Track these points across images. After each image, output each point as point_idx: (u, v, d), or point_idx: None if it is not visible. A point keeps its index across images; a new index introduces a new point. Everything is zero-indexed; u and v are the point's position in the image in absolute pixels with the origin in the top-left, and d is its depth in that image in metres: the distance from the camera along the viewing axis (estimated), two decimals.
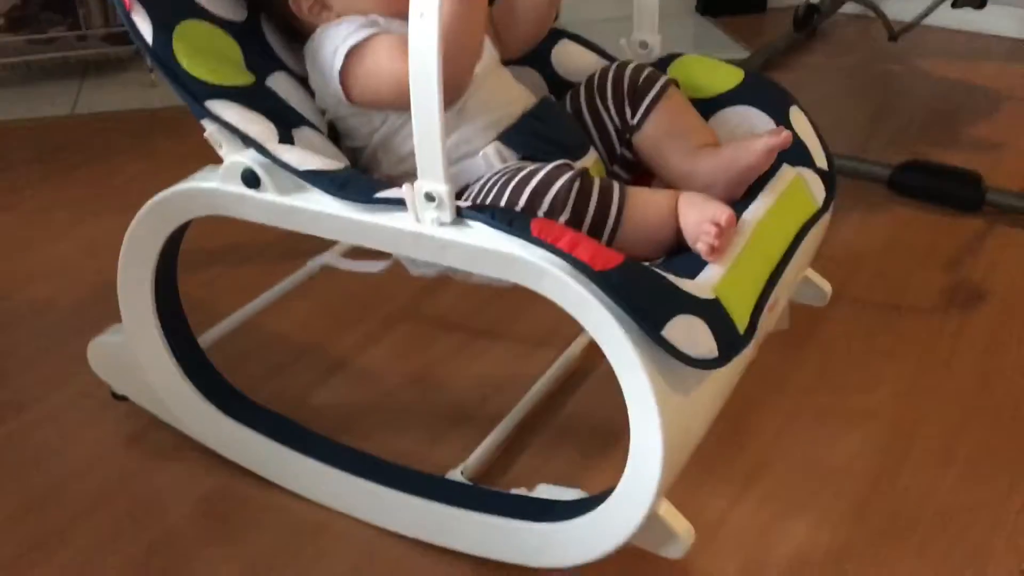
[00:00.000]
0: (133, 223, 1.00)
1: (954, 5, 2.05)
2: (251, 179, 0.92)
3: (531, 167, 0.91)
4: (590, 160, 1.02)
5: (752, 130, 1.06)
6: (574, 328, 0.96)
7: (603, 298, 0.78)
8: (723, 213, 0.87)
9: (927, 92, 2.13)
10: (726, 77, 1.11)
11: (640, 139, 1.04)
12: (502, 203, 0.89)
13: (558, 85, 1.16)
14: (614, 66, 1.06)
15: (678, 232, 0.91)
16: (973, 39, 2.39)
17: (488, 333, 1.32)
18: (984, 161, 1.72)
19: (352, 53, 0.96)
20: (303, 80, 1.03)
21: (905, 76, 2.22)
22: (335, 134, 1.04)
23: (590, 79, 1.07)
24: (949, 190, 1.62)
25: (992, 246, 1.52)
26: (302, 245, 1.17)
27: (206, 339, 1.17)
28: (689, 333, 0.79)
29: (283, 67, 1.04)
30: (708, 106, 1.09)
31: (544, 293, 0.81)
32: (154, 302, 1.04)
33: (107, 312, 1.10)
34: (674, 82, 1.05)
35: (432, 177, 0.81)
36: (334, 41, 0.97)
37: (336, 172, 0.91)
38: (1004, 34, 2.39)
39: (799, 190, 1.01)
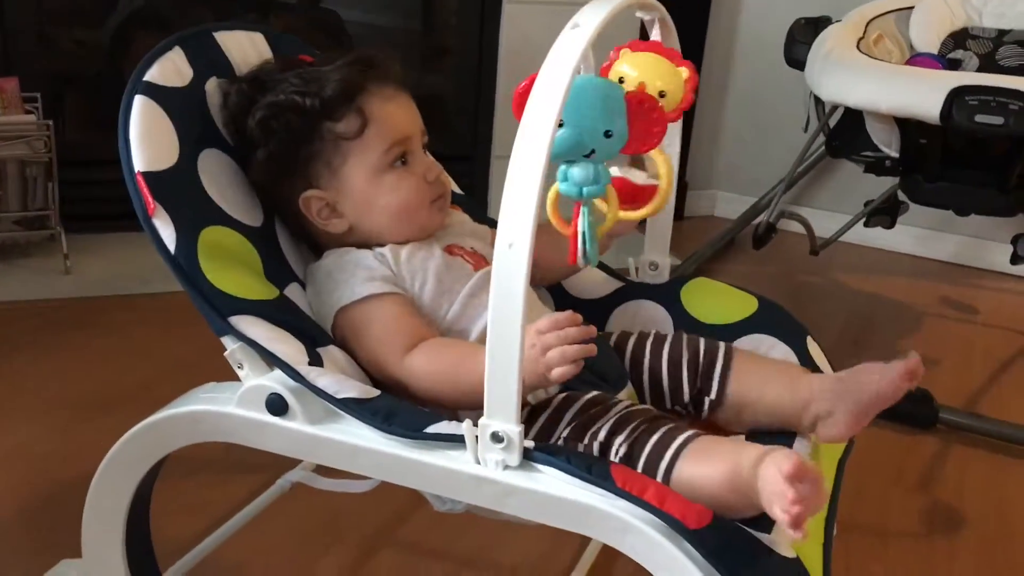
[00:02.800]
0: (116, 448, 0.88)
1: (867, 224, 2.18)
2: (277, 405, 0.82)
3: (595, 402, 0.87)
4: (627, 391, 0.97)
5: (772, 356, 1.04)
6: (565, 560, 0.87)
7: (698, 559, 0.71)
8: (798, 470, 0.72)
9: (849, 305, 2.22)
10: (741, 304, 1.09)
11: (726, 410, 0.95)
12: (584, 441, 0.83)
13: (563, 300, 1.12)
14: (670, 337, 0.99)
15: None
16: (881, 255, 2.53)
17: (472, 563, 1.21)
18: (923, 378, 1.76)
19: (346, 311, 0.92)
20: None
21: (826, 288, 2.32)
22: None
23: (641, 336, 1.00)
24: (904, 409, 1.64)
25: (954, 466, 1.54)
26: (251, 458, 1.05)
27: (173, 574, 1.03)
28: None
29: (296, 278, 0.97)
30: (726, 333, 1.06)
31: (625, 550, 0.73)
32: (124, 538, 0.91)
33: (31, 542, 0.95)
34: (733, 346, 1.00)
35: (503, 416, 0.73)
36: (336, 285, 0.93)
37: (378, 400, 0.83)
38: (907, 252, 2.54)
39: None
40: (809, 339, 1.06)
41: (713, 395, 0.95)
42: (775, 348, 1.04)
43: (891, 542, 1.34)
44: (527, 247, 0.69)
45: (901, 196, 1.88)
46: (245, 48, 1.04)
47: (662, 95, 0.85)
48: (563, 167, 0.79)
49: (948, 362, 1.93)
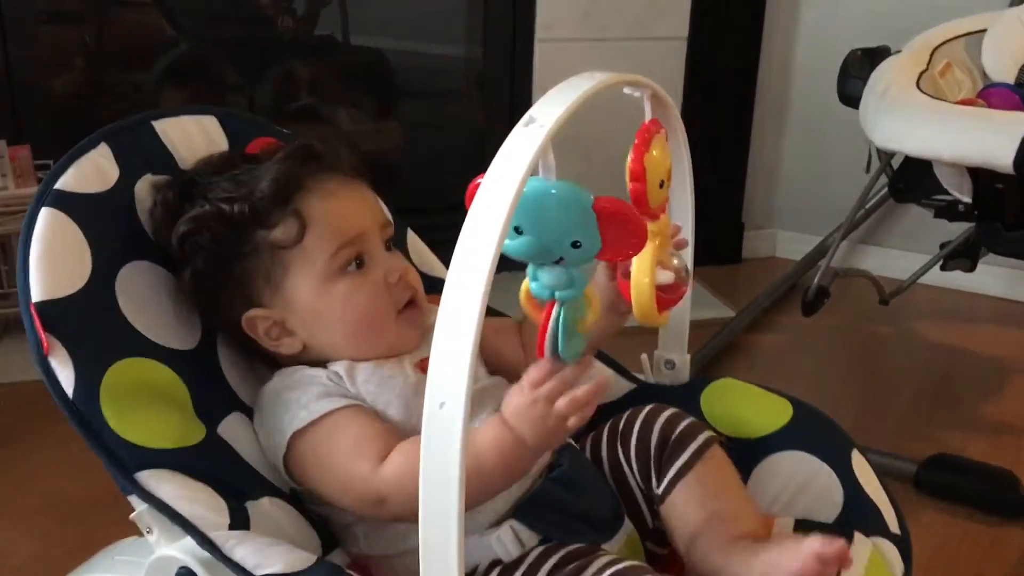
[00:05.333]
0: None
1: (943, 268, 1.96)
2: None
3: (585, 559, 0.73)
4: (622, 538, 0.82)
5: (809, 484, 0.87)
6: None
7: None
8: None
9: (925, 359, 2.01)
10: (773, 412, 0.92)
11: (666, 512, 0.83)
12: None
13: None
14: (644, 412, 0.87)
15: None
16: (962, 298, 2.30)
17: None
18: (1008, 450, 1.58)
19: (302, 434, 0.78)
20: None
21: (897, 340, 2.11)
22: None
23: (614, 424, 0.88)
24: (986, 494, 1.45)
25: None
26: None
27: None
28: None
29: (240, 406, 0.84)
30: (753, 450, 0.90)
31: None
32: None
33: None
34: (719, 441, 0.85)
35: None
36: (287, 407, 0.79)
37: (307, 573, 0.69)
38: (992, 294, 2.30)
39: (879, 570, 0.81)
40: (856, 455, 0.89)
41: (661, 488, 0.83)
42: (816, 469, 0.88)
43: None
44: (462, 406, 0.54)
45: None
46: (192, 137, 0.91)
47: (661, 185, 0.74)
48: (531, 267, 0.67)
49: None
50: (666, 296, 0.78)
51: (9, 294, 1.91)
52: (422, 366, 0.84)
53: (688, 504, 0.82)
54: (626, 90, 0.76)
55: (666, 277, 0.77)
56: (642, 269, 0.75)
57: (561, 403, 0.67)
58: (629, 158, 0.72)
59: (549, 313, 0.67)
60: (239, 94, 2.40)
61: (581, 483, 0.83)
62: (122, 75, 2.32)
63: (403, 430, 0.80)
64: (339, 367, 0.83)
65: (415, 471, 0.71)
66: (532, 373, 0.68)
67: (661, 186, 0.74)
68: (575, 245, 0.65)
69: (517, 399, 0.68)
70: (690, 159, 0.86)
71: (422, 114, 2.49)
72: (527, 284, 0.68)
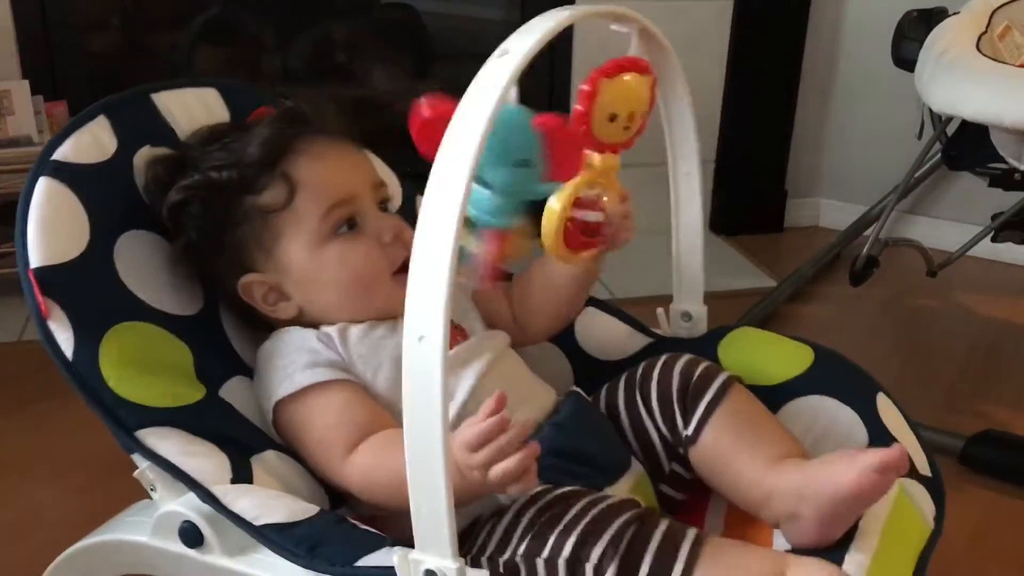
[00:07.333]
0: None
1: (994, 239, 1.91)
2: (191, 535, 0.70)
3: (572, 499, 0.70)
4: (630, 481, 0.80)
5: (832, 429, 0.85)
6: None
7: None
8: None
9: (973, 334, 1.95)
10: (793, 358, 0.90)
11: (697, 453, 0.82)
12: (544, 555, 0.67)
13: (583, 363, 0.96)
14: (660, 361, 0.84)
15: None
16: (1013, 271, 2.23)
17: None
18: None
19: (284, 404, 0.78)
20: None
21: (945, 313, 2.05)
22: None
23: (631, 375, 0.86)
24: None
25: None
26: None
27: None
28: None
29: (244, 370, 0.84)
30: (773, 396, 0.87)
31: None
32: None
33: None
34: (737, 379, 0.83)
35: (436, 550, 0.59)
36: (274, 372, 0.79)
37: (306, 524, 0.69)
38: None
39: (906, 511, 0.78)
40: (881, 397, 0.86)
41: (690, 429, 0.81)
42: (838, 413, 0.85)
43: None
44: (440, 337, 0.55)
45: None
46: (192, 109, 0.92)
47: (613, 119, 0.70)
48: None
49: None
50: (583, 237, 0.74)
51: None
52: None
53: (723, 438, 0.80)
54: (613, 27, 0.74)
55: (591, 216, 0.73)
56: (559, 196, 0.71)
57: (496, 471, 0.65)
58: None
59: (491, 242, 0.68)
60: (274, 54, 2.38)
61: (584, 428, 0.81)
62: (158, 34, 2.31)
63: (391, 397, 0.80)
64: (332, 329, 0.82)
65: (377, 474, 0.73)
66: (466, 433, 0.66)
67: (612, 120, 0.70)
68: (524, 163, 0.65)
69: (457, 453, 0.66)
70: (692, 112, 0.84)
71: (459, 77, 2.45)
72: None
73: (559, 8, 0.63)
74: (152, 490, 0.73)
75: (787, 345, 0.91)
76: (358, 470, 0.76)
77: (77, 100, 1.89)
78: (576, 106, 0.69)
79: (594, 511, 0.69)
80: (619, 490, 0.79)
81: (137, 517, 0.76)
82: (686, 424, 0.82)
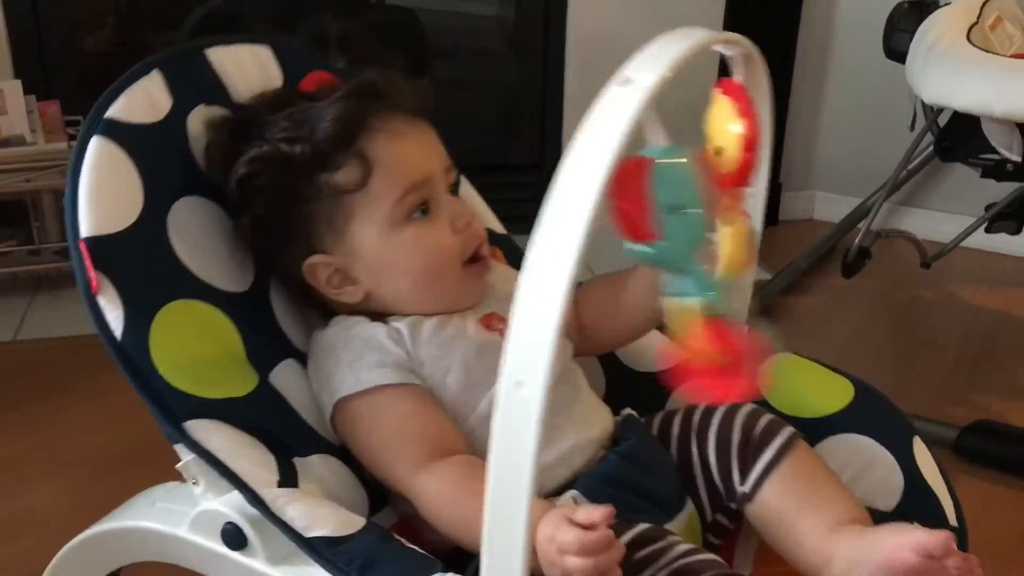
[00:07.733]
0: (55, 563, 0.77)
1: (988, 230, 1.91)
2: (234, 537, 0.69)
3: (644, 540, 0.69)
4: (684, 519, 0.79)
5: (868, 470, 0.84)
6: None
7: None
8: None
9: (966, 324, 1.96)
10: (834, 392, 0.88)
11: (756, 511, 0.79)
12: None
13: (615, 371, 0.94)
14: (723, 410, 0.82)
15: None
16: (1006, 262, 2.24)
17: None
18: None
19: (348, 401, 0.75)
20: None
21: (939, 304, 2.06)
22: None
23: (687, 414, 0.83)
24: None
25: None
26: None
27: None
28: None
29: (293, 352, 0.81)
30: (813, 430, 0.86)
31: None
32: None
33: None
34: (801, 436, 0.81)
35: None
36: (338, 365, 0.76)
37: (356, 540, 0.67)
38: None
39: None
40: (917, 442, 0.86)
41: (748, 486, 0.78)
42: (876, 454, 0.85)
43: None
44: (542, 387, 0.50)
45: None
46: (246, 67, 0.87)
47: (718, 153, 0.65)
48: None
49: None
50: None
51: (41, 250, 1.91)
52: (485, 322, 0.81)
53: (783, 497, 0.77)
54: (716, 47, 0.67)
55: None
56: (730, 218, 0.65)
57: (576, 562, 0.61)
58: (742, 124, 0.64)
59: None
60: None
61: (647, 460, 0.80)
62: (151, 33, 2.30)
63: (458, 401, 0.78)
64: (402, 324, 0.79)
65: (451, 506, 0.70)
66: (566, 536, 0.61)
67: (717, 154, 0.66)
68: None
69: (543, 546, 0.62)
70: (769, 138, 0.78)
71: (454, 73, 2.45)
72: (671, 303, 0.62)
73: (673, 32, 0.57)
74: (194, 483, 0.70)
75: (829, 378, 0.90)
76: (432, 491, 0.72)
77: (69, 100, 1.89)
78: (746, 154, 0.64)
79: (679, 564, 0.68)
80: (676, 527, 0.77)
81: (168, 504, 0.73)
82: (743, 479, 0.79)
